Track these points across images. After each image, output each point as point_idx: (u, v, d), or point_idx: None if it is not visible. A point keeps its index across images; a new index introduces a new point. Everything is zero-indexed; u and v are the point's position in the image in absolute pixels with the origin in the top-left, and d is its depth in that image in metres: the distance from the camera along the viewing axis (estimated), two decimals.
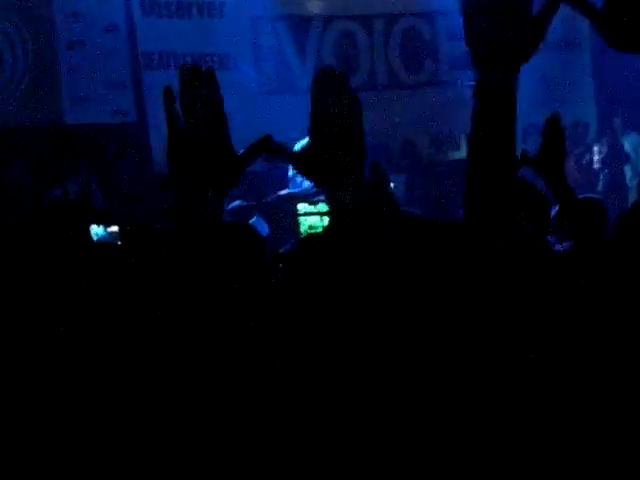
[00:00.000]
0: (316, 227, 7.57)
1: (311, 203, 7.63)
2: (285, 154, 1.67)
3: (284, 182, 7.98)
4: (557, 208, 2.97)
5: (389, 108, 9.51)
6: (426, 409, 1.35)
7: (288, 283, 1.49)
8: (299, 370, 1.39)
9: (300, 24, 9.46)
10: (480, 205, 1.46)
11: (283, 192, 7.97)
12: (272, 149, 1.66)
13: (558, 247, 2.73)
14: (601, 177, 9.36)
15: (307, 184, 7.85)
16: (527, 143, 5.75)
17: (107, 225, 5.88)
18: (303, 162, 1.63)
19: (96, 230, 5.76)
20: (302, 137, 8.52)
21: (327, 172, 1.58)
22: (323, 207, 7.64)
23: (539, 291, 1.42)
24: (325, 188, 1.60)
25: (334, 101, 1.56)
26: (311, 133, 1.59)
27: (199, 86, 1.58)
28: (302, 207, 7.61)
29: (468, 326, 1.37)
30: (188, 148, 1.58)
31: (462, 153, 9.86)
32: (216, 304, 1.47)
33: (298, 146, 7.95)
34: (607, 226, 3.19)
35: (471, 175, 1.49)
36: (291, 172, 7.98)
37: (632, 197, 8.71)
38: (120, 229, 5.57)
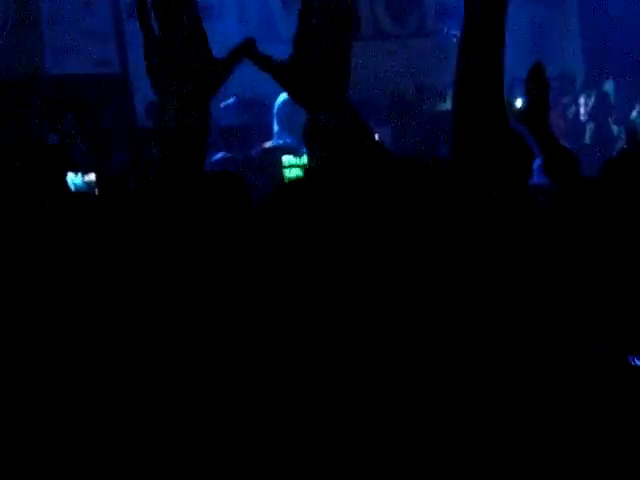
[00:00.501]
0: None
1: (296, 155, 7.59)
2: (266, 62, 1.60)
3: (269, 135, 7.93)
4: (540, 159, 2.96)
5: (375, 59, 9.42)
6: (407, 358, 1.33)
7: (269, 226, 1.44)
8: (288, 317, 1.36)
9: None
10: (467, 151, 1.43)
11: (268, 144, 7.91)
12: (254, 55, 1.60)
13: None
14: (587, 129, 9.34)
15: (289, 139, 7.79)
16: (513, 96, 5.71)
17: (85, 173, 5.79)
18: (284, 74, 1.57)
19: (73, 179, 5.67)
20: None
21: (309, 87, 1.52)
22: (307, 159, 7.59)
23: (522, 232, 1.40)
24: (305, 105, 1.54)
25: (322, 10, 1.51)
26: (295, 43, 1.54)
27: None
28: (287, 159, 7.56)
29: (454, 265, 1.35)
30: (166, 55, 1.53)
31: (448, 104, 9.80)
32: (201, 252, 1.44)
33: (280, 99, 7.93)
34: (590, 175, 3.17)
35: (458, 121, 1.46)
36: (276, 126, 7.91)
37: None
38: (97, 178, 5.50)
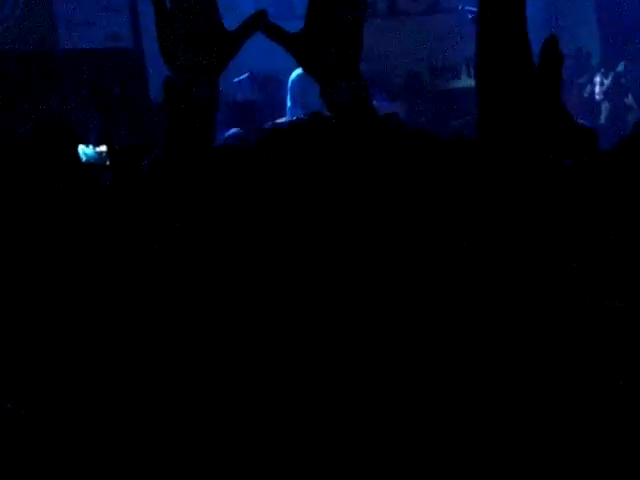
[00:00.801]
0: None
1: None
2: (279, 34, 1.58)
3: (282, 111, 7.91)
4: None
5: (389, 37, 9.37)
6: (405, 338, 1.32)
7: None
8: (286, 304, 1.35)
9: None
10: (495, 125, 1.41)
11: (280, 120, 7.87)
12: (266, 27, 1.58)
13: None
14: (603, 109, 9.27)
15: (301, 114, 7.73)
16: None
17: (96, 145, 5.78)
18: (297, 45, 1.55)
19: (85, 150, 5.67)
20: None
21: (322, 59, 1.51)
22: None
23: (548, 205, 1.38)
24: (318, 77, 1.53)
25: None
26: (308, 15, 1.52)
27: None
28: None
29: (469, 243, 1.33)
30: (177, 27, 1.52)
31: (463, 82, 9.74)
32: (210, 229, 1.42)
33: (294, 75, 7.89)
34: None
35: (485, 94, 1.43)
36: (289, 102, 7.88)
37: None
38: (109, 149, 5.48)
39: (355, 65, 1.52)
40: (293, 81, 7.98)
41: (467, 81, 9.73)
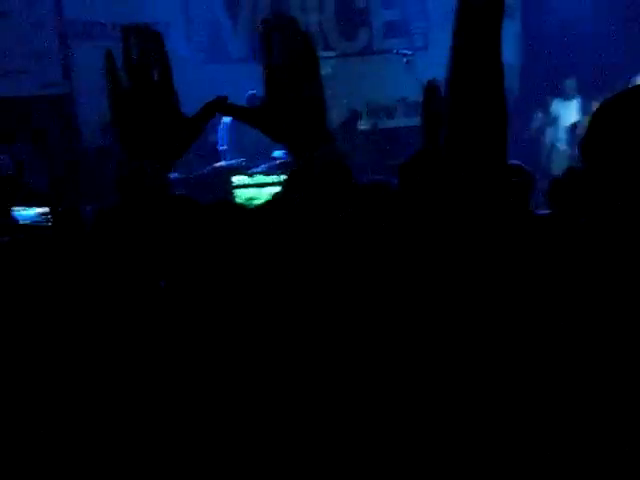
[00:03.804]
0: (254, 199, 7.49)
1: (248, 175, 7.54)
2: (243, 113, 1.56)
3: (217, 156, 7.89)
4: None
5: (325, 77, 9.44)
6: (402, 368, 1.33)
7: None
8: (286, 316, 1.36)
9: None
10: (464, 149, 1.40)
11: (219, 164, 7.87)
12: (228, 110, 1.57)
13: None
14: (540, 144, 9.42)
15: (241, 159, 7.75)
16: None
17: (38, 206, 5.73)
18: (261, 119, 1.54)
19: (26, 212, 5.61)
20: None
21: (289, 128, 1.50)
22: (261, 179, 7.56)
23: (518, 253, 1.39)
24: (290, 146, 1.51)
25: (286, 44, 1.48)
26: (266, 85, 1.51)
27: (145, 45, 1.49)
28: (237, 179, 7.51)
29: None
30: (134, 113, 1.50)
31: (397, 122, 9.88)
32: (173, 277, 1.42)
33: (226, 119, 7.82)
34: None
35: (456, 117, 1.42)
36: (224, 146, 7.87)
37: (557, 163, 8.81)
38: (51, 210, 5.44)
39: (324, 128, 1.52)
40: (227, 125, 7.96)
41: (402, 120, 9.86)
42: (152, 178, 1.51)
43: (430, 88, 1.96)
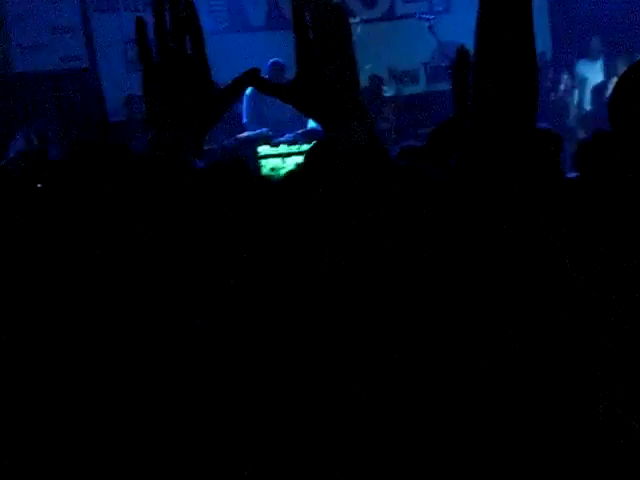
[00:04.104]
0: (278, 169, 7.49)
1: (272, 145, 7.54)
2: (274, 88, 1.52)
3: (234, 125, 7.88)
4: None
5: None
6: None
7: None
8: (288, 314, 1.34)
9: None
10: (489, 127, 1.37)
11: (242, 135, 7.87)
12: (260, 83, 1.53)
13: None
14: (566, 107, 9.32)
15: (264, 129, 7.73)
16: None
17: None
18: (294, 94, 1.50)
19: None
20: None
21: (322, 103, 1.46)
22: (285, 149, 7.55)
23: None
24: (322, 122, 1.48)
25: (316, 17, 1.45)
26: (298, 59, 1.47)
27: (178, 13, 1.45)
28: (262, 149, 7.51)
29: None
30: (165, 84, 1.46)
31: (421, 87, 9.80)
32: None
33: (248, 90, 7.90)
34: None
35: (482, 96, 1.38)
36: (245, 118, 7.85)
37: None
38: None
39: (359, 102, 1.48)
40: (247, 96, 7.94)
41: (426, 86, 9.79)
42: (189, 151, 1.48)
43: (460, 54, 1.93)
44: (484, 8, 1.36)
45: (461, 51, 1.93)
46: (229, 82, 1.53)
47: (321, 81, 1.45)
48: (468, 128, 1.38)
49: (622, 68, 9.07)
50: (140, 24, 1.46)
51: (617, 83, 1.52)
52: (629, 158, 1.49)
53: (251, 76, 1.52)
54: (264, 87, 1.52)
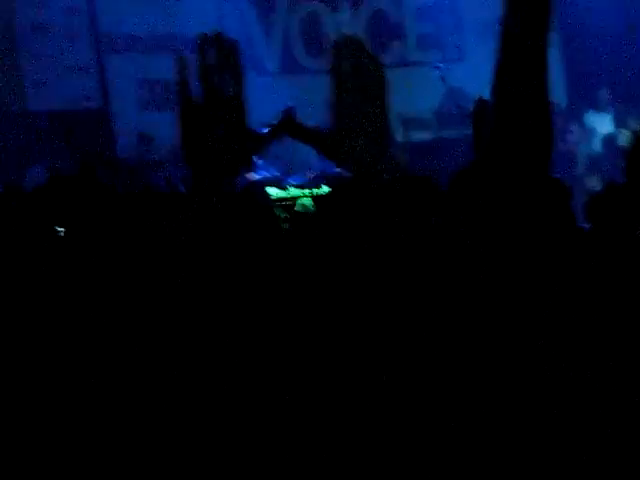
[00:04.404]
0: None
1: (282, 187, 7.55)
2: (307, 136, 1.55)
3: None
4: None
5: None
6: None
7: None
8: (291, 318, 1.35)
9: (265, 5, 9.37)
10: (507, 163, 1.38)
11: (254, 176, 7.88)
12: (295, 130, 1.56)
13: None
14: (578, 157, 9.34)
15: (276, 173, 7.77)
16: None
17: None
18: (326, 143, 1.52)
19: None
20: (271, 120, 8.43)
21: (353, 153, 1.48)
22: (295, 192, 7.56)
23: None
24: (352, 171, 1.50)
25: (355, 68, 1.47)
26: (332, 109, 1.49)
27: (222, 56, 1.46)
28: (272, 191, 7.52)
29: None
30: (205, 123, 1.47)
31: (431, 134, 9.83)
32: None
33: (264, 131, 7.91)
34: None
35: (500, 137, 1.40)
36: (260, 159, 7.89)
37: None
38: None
39: (386, 151, 1.50)
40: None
41: (435, 133, 9.82)
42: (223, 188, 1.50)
43: (479, 103, 1.95)
44: (502, 61, 1.38)
45: (480, 100, 1.95)
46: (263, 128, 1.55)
47: (357, 131, 1.48)
48: (485, 175, 1.38)
49: (631, 119, 9.12)
50: (182, 62, 1.47)
51: (635, 137, 1.53)
52: None
53: (289, 122, 1.56)
54: (297, 134, 1.53)
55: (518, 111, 1.36)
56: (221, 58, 1.42)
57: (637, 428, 1.30)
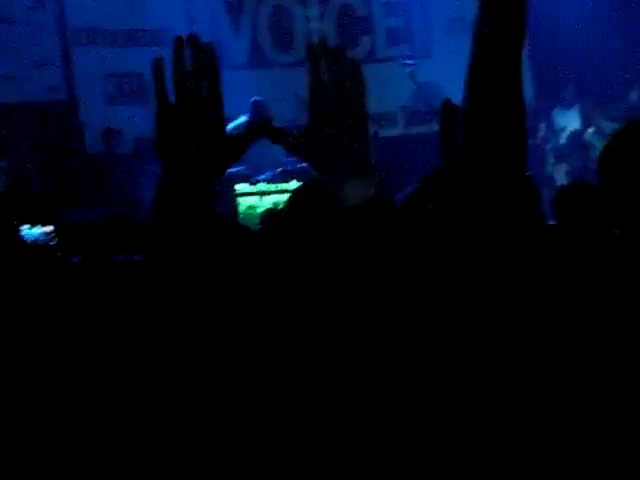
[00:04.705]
0: (255, 207, 7.48)
1: (251, 183, 7.55)
2: (285, 139, 1.51)
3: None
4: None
5: None
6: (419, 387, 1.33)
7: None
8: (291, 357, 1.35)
9: None
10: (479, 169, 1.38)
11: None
12: (271, 133, 1.52)
13: None
14: (546, 156, 9.41)
15: (242, 167, 7.77)
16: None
17: (43, 225, 5.74)
18: (304, 147, 1.49)
19: (30, 231, 5.61)
20: (237, 115, 8.41)
21: (331, 157, 1.45)
22: (263, 187, 7.56)
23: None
24: (329, 176, 1.47)
25: (332, 71, 1.44)
26: (309, 112, 1.46)
27: (198, 57, 1.44)
28: (240, 187, 7.52)
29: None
30: (180, 128, 1.45)
31: (399, 130, 9.87)
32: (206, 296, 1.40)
33: (231, 125, 7.97)
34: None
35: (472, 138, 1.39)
36: None
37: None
38: (56, 229, 5.46)
39: (367, 159, 1.47)
40: (234, 129, 7.98)
41: (403, 129, 9.86)
42: (199, 200, 1.47)
43: (446, 107, 1.94)
44: (474, 60, 1.37)
45: (447, 104, 1.94)
46: (240, 130, 1.53)
47: (332, 136, 1.45)
48: (456, 179, 1.38)
49: (597, 116, 9.22)
50: (158, 64, 1.44)
51: (612, 139, 1.54)
52: (616, 212, 1.50)
53: (262, 127, 1.53)
54: (275, 137, 1.50)
55: (493, 112, 1.35)
56: (197, 63, 1.40)
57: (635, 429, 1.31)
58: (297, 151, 1.48)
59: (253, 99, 7.86)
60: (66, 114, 8.51)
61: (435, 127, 2.09)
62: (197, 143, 1.43)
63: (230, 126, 8.21)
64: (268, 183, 7.61)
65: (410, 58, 8.47)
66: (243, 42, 9.35)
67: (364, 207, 1.39)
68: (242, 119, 8.07)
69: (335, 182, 1.43)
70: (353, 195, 1.41)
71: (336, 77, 1.45)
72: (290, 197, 1.49)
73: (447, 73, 10.53)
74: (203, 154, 1.44)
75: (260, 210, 7.30)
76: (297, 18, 9.63)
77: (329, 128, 1.43)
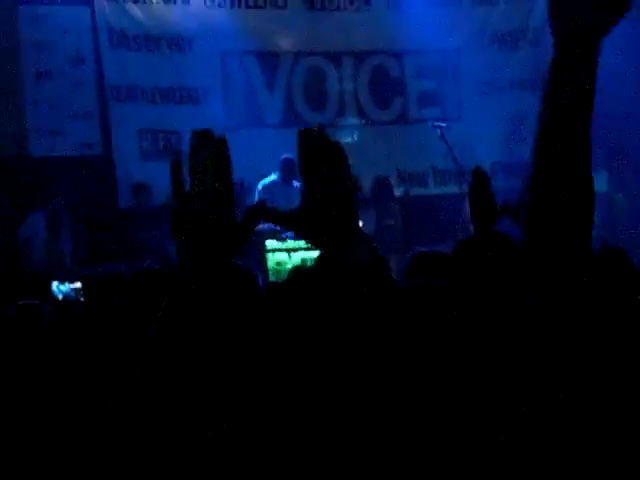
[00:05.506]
0: (284, 263, 7.53)
1: (279, 240, 7.60)
2: (281, 219, 1.64)
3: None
4: None
5: (358, 145, 9.55)
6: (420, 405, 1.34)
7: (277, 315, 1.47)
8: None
9: (269, 59, 9.49)
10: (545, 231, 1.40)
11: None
12: (268, 215, 1.63)
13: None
14: None
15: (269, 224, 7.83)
16: (495, 180, 5.75)
17: (71, 282, 5.83)
18: (298, 224, 1.60)
19: (59, 286, 5.69)
20: (270, 172, 8.46)
21: (321, 232, 1.55)
22: (291, 244, 7.61)
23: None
24: (321, 247, 1.57)
25: (318, 156, 1.54)
26: (302, 193, 1.57)
27: (209, 149, 1.54)
28: (270, 243, 7.58)
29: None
30: (192, 214, 1.54)
31: (429, 190, 9.91)
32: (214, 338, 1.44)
33: (261, 183, 8.00)
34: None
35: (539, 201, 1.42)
36: None
37: None
38: (83, 285, 5.53)
39: (355, 229, 1.56)
40: (261, 189, 8.11)
41: (434, 189, 9.90)
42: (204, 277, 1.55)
43: (478, 174, 1.98)
44: (542, 135, 1.40)
45: (478, 172, 1.98)
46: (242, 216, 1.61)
47: (321, 214, 1.54)
48: (492, 245, 1.41)
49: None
50: (176, 165, 1.56)
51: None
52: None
53: (259, 209, 1.63)
54: (272, 217, 1.63)
55: (560, 187, 1.38)
56: (210, 154, 1.49)
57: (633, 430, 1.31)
58: (292, 228, 1.59)
59: (283, 157, 7.95)
60: (101, 168, 8.64)
61: (465, 188, 2.11)
62: (206, 230, 1.52)
63: (260, 184, 8.31)
64: (296, 240, 7.68)
65: (441, 120, 8.52)
66: (277, 101, 9.47)
67: (360, 271, 1.46)
68: (273, 177, 8.18)
69: (332, 253, 1.52)
70: (350, 261, 1.49)
71: (318, 162, 1.55)
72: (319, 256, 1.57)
73: (477, 135, 10.63)
74: (212, 240, 1.52)
75: (289, 267, 7.35)
76: (331, 78, 9.75)
77: (321, 207, 1.53)
